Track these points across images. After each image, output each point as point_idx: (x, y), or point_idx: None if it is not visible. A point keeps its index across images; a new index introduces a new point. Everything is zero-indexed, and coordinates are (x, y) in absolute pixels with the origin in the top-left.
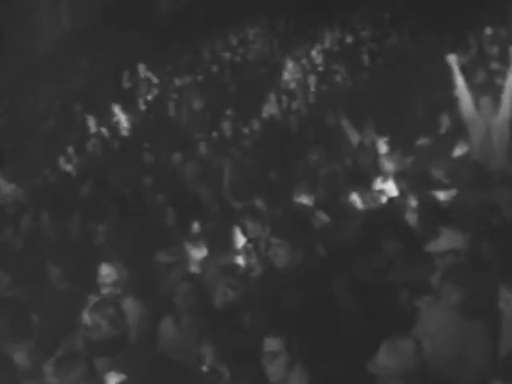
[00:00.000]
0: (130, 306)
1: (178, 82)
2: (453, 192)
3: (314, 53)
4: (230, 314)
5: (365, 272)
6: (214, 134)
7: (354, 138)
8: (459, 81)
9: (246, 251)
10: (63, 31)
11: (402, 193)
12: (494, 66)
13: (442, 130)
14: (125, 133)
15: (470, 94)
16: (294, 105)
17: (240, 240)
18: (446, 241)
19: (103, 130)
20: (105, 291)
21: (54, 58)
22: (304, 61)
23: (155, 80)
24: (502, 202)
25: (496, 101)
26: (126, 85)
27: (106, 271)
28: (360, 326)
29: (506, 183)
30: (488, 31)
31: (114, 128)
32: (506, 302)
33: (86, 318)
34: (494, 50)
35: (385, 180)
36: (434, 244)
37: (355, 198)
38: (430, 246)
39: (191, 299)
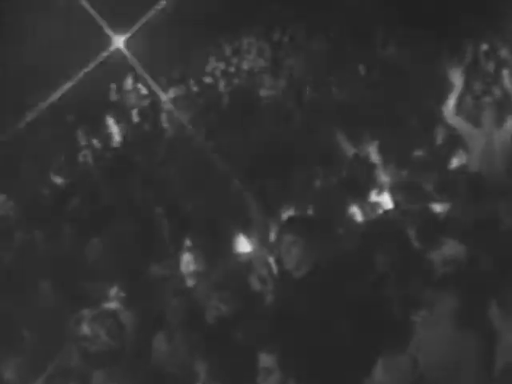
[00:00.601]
0: (124, 319)
1: (171, 92)
2: (449, 204)
3: (308, 62)
4: (223, 329)
5: (360, 286)
6: (210, 145)
7: (349, 149)
8: (451, 101)
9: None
10: (54, 40)
11: (398, 205)
12: (490, 78)
13: (438, 142)
14: (117, 144)
15: (462, 111)
16: (288, 116)
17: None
18: (449, 250)
19: (95, 141)
20: (101, 305)
21: (45, 67)
22: (298, 70)
23: (148, 91)
24: (501, 215)
25: (498, 113)
26: (118, 95)
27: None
28: (356, 342)
29: (506, 196)
30: (484, 47)
31: (106, 140)
32: (497, 317)
33: (85, 328)
34: (490, 65)
35: (380, 192)
36: (436, 253)
37: (353, 211)
38: (433, 254)
39: (183, 314)
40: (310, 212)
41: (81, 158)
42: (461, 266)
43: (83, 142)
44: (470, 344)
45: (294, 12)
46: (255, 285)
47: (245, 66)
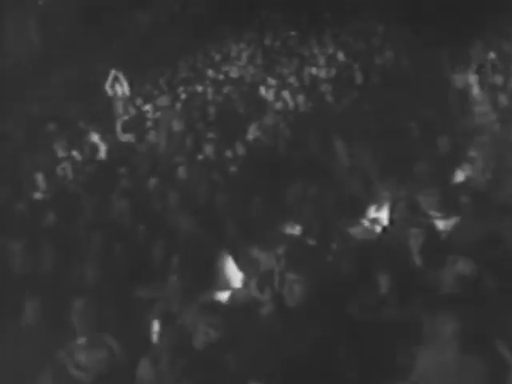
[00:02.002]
0: (110, 344)
1: (157, 101)
2: (452, 221)
3: (302, 70)
4: (212, 355)
5: (358, 310)
6: (199, 157)
7: (345, 162)
8: None
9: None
10: (33, 48)
11: (398, 222)
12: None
13: (441, 154)
14: (99, 156)
15: None
16: (281, 126)
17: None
18: (453, 269)
19: (75, 153)
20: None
21: (23, 76)
22: (292, 79)
23: (132, 99)
24: (504, 233)
25: None
26: (101, 104)
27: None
28: (355, 370)
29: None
30: (491, 55)
31: (87, 151)
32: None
33: (73, 356)
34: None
35: (379, 208)
36: (439, 272)
37: (348, 228)
38: (436, 273)
39: (170, 338)
40: (305, 229)
41: (59, 172)
42: (465, 287)
43: (62, 154)
44: (475, 371)
45: (286, 16)
46: (254, 292)
47: (234, 73)
